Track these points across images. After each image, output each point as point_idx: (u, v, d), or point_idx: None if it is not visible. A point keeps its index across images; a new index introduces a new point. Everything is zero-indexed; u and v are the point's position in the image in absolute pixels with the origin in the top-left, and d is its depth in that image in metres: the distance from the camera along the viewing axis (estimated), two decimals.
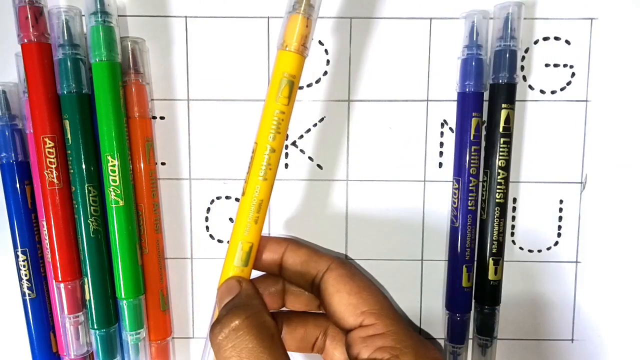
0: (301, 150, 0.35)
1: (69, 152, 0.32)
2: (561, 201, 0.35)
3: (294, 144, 0.35)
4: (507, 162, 0.33)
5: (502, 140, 0.33)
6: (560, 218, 0.35)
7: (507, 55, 0.32)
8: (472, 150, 0.33)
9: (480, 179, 0.34)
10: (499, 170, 0.33)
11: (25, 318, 0.34)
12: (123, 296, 0.33)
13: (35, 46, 0.31)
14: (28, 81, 0.31)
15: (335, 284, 0.28)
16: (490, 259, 0.34)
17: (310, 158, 0.35)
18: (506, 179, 0.33)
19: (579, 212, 0.35)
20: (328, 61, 0.34)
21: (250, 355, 0.24)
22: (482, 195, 0.34)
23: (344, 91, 0.35)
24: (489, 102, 0.33)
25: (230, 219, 0.36)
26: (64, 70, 0.31)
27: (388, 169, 0.35)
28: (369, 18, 0.34)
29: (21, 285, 0.34)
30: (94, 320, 0.33)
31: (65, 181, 0.32)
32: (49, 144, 0.31)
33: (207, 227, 0.36)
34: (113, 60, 0.31)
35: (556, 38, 0.34)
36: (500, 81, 0.33)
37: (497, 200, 0.33)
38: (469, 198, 0.33)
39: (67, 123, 0.31)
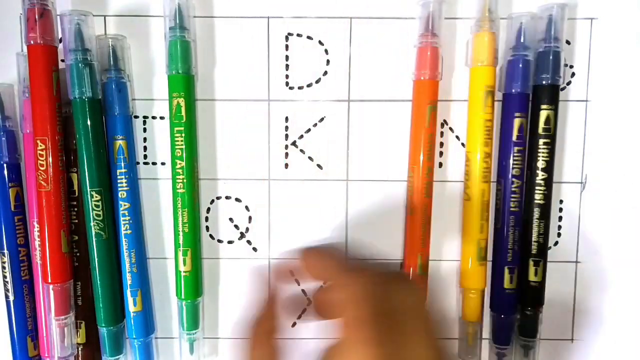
0: (301, 150, 0.35)
1: (78, 156, 0.32)
2: (561, 201, 0.35)
3: (294, 144, 0.35)
4: (547, 162, 0.33)
5: (541, 141, 0.33)
6: (560, 218, 0.35)
7: (551, 56, 0.32)
8: (516, 151, 0.33)
9: (524, 180, 0.34)
10: (539, 172, 0.33)
11: (8, 320, 0.34)
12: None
13: (40, 48, 0.31)
14: (31, 83, 0.31)
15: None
16: (530, 260, 0.34)
17: (310, 158, 0.35)
18: (546, 180, 0.33)
19: (579, 212, 0.35)
20: (328, 61, 0.34)
21: None
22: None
23: (344, 91, 0.35)
24: (531, 103, 0.33)
25: (231, 219, 0.36)
26: (75, 74, 0.31)
27: (388, 169, 0.35)
28: (369, 18, 0.34)
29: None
30: (102, 318, 0.33)
31: (56, 182, 0.32)
32: (49, 145, 0.31)
33: (207, 227, 0.36)
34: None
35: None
36: (544, 82, 0.33)
37: (536, 202, 0.33)
38: (512, 199, 0.33)
39: (76, 127, 0.32)
